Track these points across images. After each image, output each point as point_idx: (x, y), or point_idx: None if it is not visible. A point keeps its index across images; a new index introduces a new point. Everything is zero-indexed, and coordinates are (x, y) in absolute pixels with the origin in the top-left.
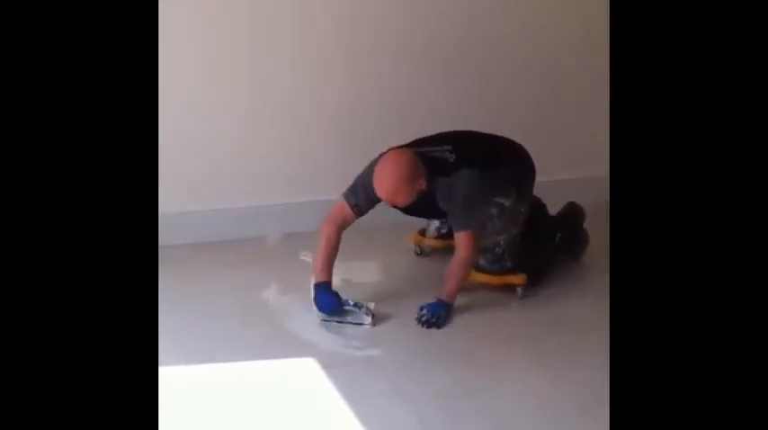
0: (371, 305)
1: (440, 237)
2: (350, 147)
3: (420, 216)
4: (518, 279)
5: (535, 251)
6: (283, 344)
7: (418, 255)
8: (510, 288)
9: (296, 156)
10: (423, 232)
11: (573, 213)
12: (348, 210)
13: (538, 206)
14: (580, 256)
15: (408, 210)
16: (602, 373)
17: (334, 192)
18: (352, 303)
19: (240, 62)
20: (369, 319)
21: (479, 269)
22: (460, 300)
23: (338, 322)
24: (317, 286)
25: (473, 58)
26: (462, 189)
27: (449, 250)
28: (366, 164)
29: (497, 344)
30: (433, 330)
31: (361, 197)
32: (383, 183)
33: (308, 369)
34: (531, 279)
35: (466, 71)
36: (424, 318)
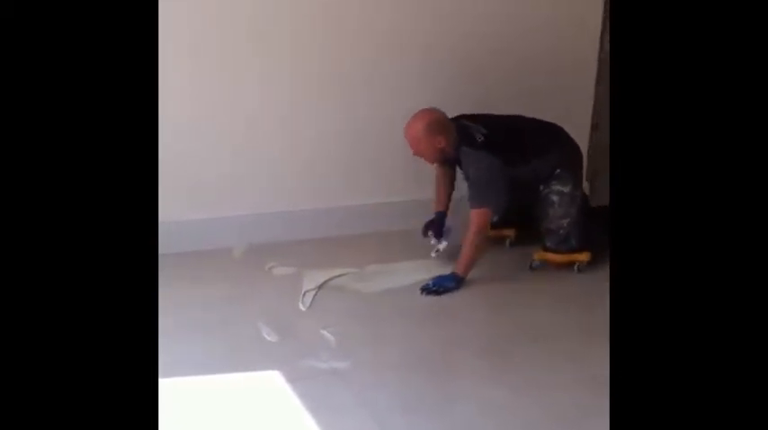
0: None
1: (492, 226)
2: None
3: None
4: (583, 256)
5: (597, 232)
6: (249, 357)
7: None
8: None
9: (256, 166)
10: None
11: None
12: (438, 168)
13: (584, 193)
14: None
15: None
16: (570, 385)
17: (299, 204)
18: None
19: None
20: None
21: (547, 249)
22: (425, 312)
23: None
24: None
25: (478, 72)
26: (478, 169)
27: (499, 239)
28: None
29: (466, 354)
30: (404, 340)
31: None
32: (408, 129)
33: (273, 382)
34: (594, 256)
35: (470, 86)
36: (426, 286)
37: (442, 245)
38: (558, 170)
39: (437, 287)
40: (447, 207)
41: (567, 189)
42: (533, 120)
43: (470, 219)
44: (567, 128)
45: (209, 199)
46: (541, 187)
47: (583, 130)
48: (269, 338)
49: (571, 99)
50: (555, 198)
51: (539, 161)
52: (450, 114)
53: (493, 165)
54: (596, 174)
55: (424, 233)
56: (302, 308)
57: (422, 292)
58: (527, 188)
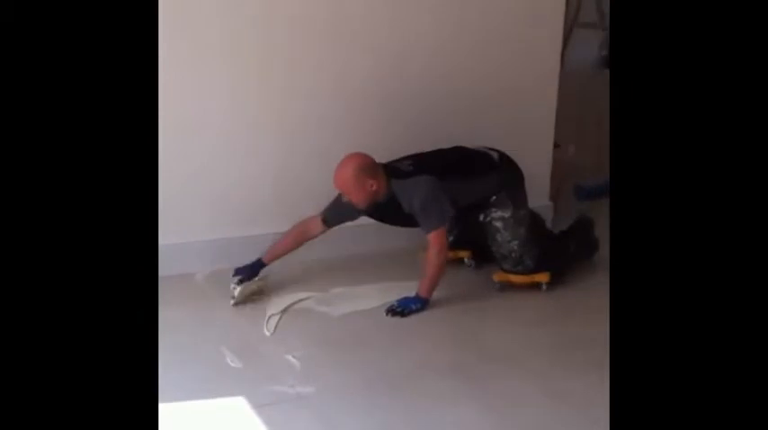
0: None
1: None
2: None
3: (392, 223)
4: (543, 277)
5: (554, 253)
6: (214, 383)
7: None
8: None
9: (218, 191)
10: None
11: (582, 222)
12: (318, 221)
13: (539, 218)
14: (591, 257)
15: (379, 216)
16: (537, 403)
17: (265, 228)
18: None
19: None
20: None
21: (507, 271)
22: (391, 335)
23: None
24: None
25: (432, 99)
26: (417, 192)
27: (456, 260)
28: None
29: (432, 376)
30: (369, 364)
31: (331, 210)
32: (338, 175)
33: (239, 408)
34: (554, 276)
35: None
36: (390, 308)
37: (239, 293)
38: (495, 197)
39: (402, 308)
40: (270, 262)
41: (507, 214)
42: (462, 147)
43: (428, 242)
44: (528, 148)
45: (172, 224)
46: (482, 216)
47: (544, 150)
48: (233, 364)
49: (533, 118)
50: (498, 224)
51: (475, 181)
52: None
53: (427, 182)
54: (559, 193)
55: (243, 280)
56: (267, 333)
57: (387, 314)
58: (470, 212)
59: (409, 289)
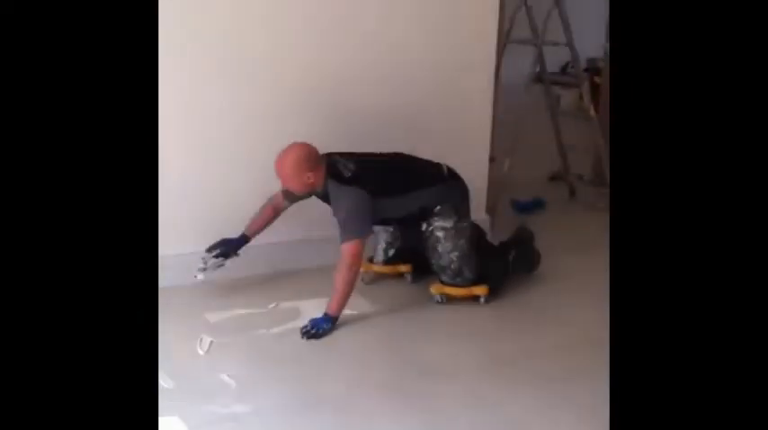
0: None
1: (387, 262)
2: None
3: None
4: (481, 290)
5: (493, 265)
6: None
7: (367, 283)
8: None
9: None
10: (371, 259)
11: (521, 235)
12: (281, 196)
13: (479, 229)
14: (532, 272)
15: (323, 200)
16: (474, 419)
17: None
18: (215, 256)
19: None
20: (201, 273)
21: (445, 283)
22: (328, 352)
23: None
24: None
25: (368, 111)
26: (344, 203)
27: (396, 275)
28: None
29: (369, 393)
30: (306, 382)
31: (288, 190)
32: (278, 163)
33: (173, 428)
34: (493, 289)
35: (358, 125)
36: (304, 330)
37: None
38: (438, 207)
39: (315, 329)
40: (253, 236)
41: (449, 224)
42: (411, 158)
43: (341, 254)
44: (464, 162)
45: None
46: (424, 226)
47: (480, 164)
48: (165, 385)
49: (469, 133)
50: (440, 234)
51: (417, 193)
52: (326, 150)
53: (358, 195)
54: (495, 206)
55: (211, 249)
56: (200, 352)
57: (302, 336)
58: (415, 220)
59: (354, 298)
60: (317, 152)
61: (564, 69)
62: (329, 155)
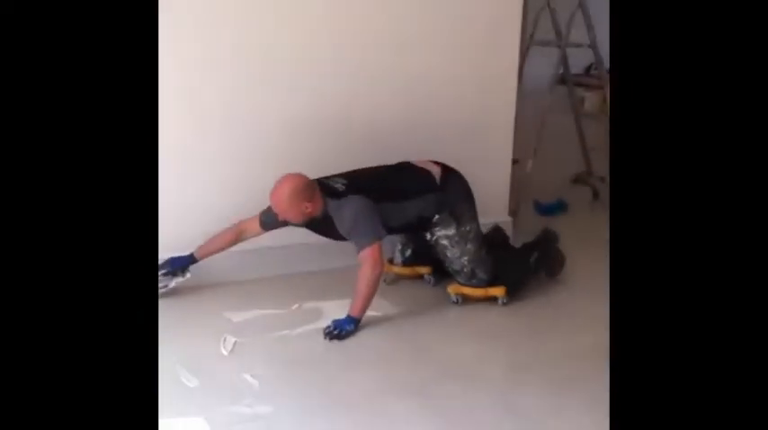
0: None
1: (405, 263)
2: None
3: (327, 236)
4: (498, 291)
5: (512, 266)
6: (170, 402)
7: (388, 284)
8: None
9: (179, 207)
10: (391, 260)
11: (546, 236)
12: (256, 223)
13: (502, 232)
14: (556, 275)
15: (315, 229)
16: (496, 421)
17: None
18: (162, 274)
19: None
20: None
21: (462, 284)
22: (349, 354)
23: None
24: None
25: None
26: (349, 212)
27: (417, 276)
28: None
29: (391, 395)
30: (328, 383)
31: (270, 216)
32: (274, 197)
33: (196, 427)
34: (510, 290)
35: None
36: (327, 330)
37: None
38: (437, 215)
39: (339, 331)
40: (203, 258)
41: (451, 232)
42: (403, 166)
43: (361, 261)
44: (487, 164)
45: None
46: (428, 236)
47: (503, 166)
48: (189, 383)
49: (491, 134)
50: (445, 242)
51: (411, 202)
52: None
53: (360, 201)
54: (518, 208)
55: (168, 273)
56: (224, 352)
57: (325, 337)
58: (416, 229)
59: (375, 306)
60: (310, 181)
61: (588, 71)
62: (317, 180)
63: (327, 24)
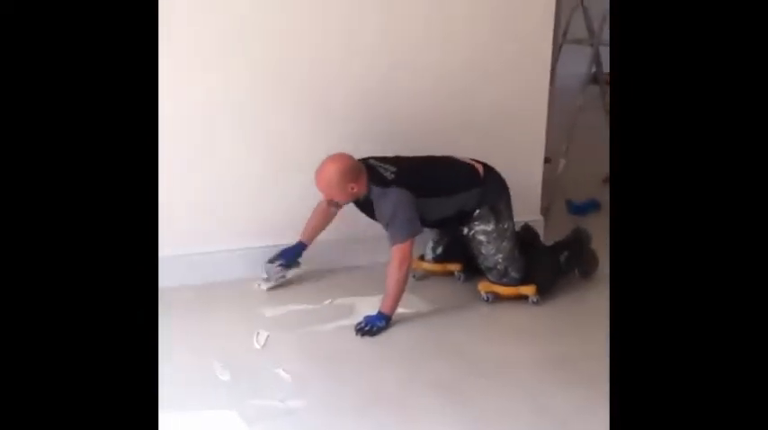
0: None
1: (436, 260)
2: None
3: (368, 215)
4: (529, 289)
5: (543, 265)
6: (203, 395)
7: (417, 280)
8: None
9: (208, 202)
10: (422, 257)
11: (577, 236)
12: (325, 202)
13: (532, 230)
14: (589, 275)
15: (361, 208)
16: (525, 418)
17: (253, 242)
18: (278, 266)
19: None
20: (266, 284)
21: (493, 282)
22: (381, 349)
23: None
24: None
25: (424, 109)
26: (389, 205)
27: (447, 273)
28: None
29: (422, 391)
30: (360, 378)
31: None
32: (320, 178)
33: (229, 421)
34: (541, 289)
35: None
36: (358, 327)
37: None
38: (478, 210)
39: (370, 327)
40: (311, 241)
41: (490, 227)
42: (449, 158)
43: (391, 255)
44: (518, 162)
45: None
46: (465, 230)
47: (535, 165)
48: (222, 377)
49: (523, 133)
50: (482, 238)
51: (456, 197)
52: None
53: (403, 195)
54: (549, 207)
55: (273, 260)
56: (257, 346)
57: (357, 333)
58: (453, 224)
59: (405, 303)
60: (356, 161)
61: None
62: (365, 160)
63: (358, 23)
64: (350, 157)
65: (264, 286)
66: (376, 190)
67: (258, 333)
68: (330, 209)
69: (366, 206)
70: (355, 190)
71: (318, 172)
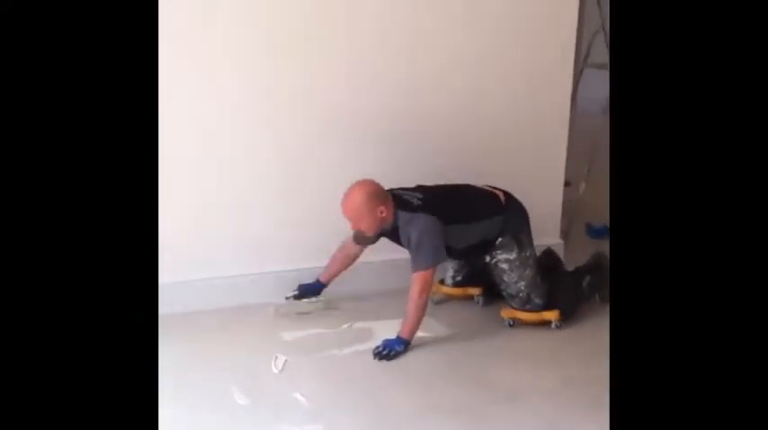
0: (281, 362)
1: (456, 285)
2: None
3: (394, 241)
4: (552, 315)
5: (565, 291)
6: (222, 420)
7: (436, 303)
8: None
9: (230, 228)
10: (442, 281)
11: (598, 261)
12: (350, 242)
13: (555, 255)
14: (608, 299)
15: (390, 238)
16: None
17: (278, 265)
18: (314, 300)
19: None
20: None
21: (517, 309)
22: (398, 374)
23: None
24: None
25: (443, 136)
26: (416, 230)
27: (467, 297)
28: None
29: (440, 417)
30: (377, 403)
31: (356, 232)
32: (347, 203)
33: None
34: (564, 314)
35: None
36: (377, 351)
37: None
38: (500, 239)
39: (388, 350)
40: (329, 282)
41: (512, 256)
42: (471, 187)
43: (413, 281)
44: (538, 186)
45: (174, 262)
46: (487, 258)
47: (555, 188)
48: (241, 401)
49: (544, 157)
50: (504, 266)
51: (480, 224)
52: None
53: (430, 221)
54: (569, 230)
55: (299, 297)
56: (275, 370)
57: (375, 357)
58: (476, 253)
59: (424, 326)
60: (381, 186)
61: None
62: (390, 190)
63: (380, 42)
64: (374, 182)
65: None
66: (403, 215)
67: (276, 357)
68: (354, 249)
69: (391, 234)
70: (384, 214)
71: (345, 198)
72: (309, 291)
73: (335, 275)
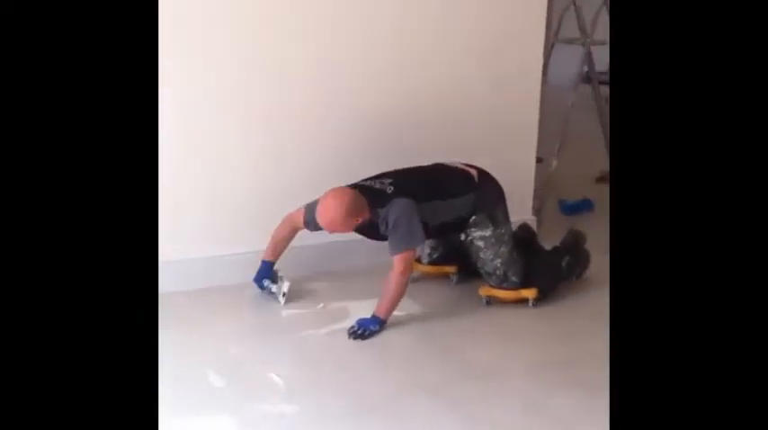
0: (285, 287)
1: (432, 263)
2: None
3: (372, 238)
4: (529, 293)
5: (544, 270)
6: (198, 402)
7: (412, 281)
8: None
9: (203, 208)
10: (418, 259)
11: (575, 238)
12: (302, 219)
13: (530, 230)
14: (581, 275)
15: (360, 232)
16: (520, 422)
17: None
18: (271, 285)
19: None
20: (282, 299)
21: (495, 287)
22: (375, 353)
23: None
24: (261, 262)
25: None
26: (393, 215)
27: (442, 275)
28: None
29: (416, 396)
30: (353, 383)
31: (313, 217)
32: (324, 217)
33: (223, 426)
34: (542, 293)
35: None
36: (351, 330)
37: (286, 286)
38: (474, 217)
39: (363, 330)
40: (277, 260)
41: (487, 233)
42: (442, 165)
43: (394, 262)
44: (510, 162)
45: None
46: (462, 236)
47: (527, 165)
48: (215, 383)
49: (515, 133)
50: (480, 243)
51: (453, 201)
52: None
53: (404, 204)
54: (542, 207)
55: (261, 285)
56: (281, 301)
57: (350, 337)
58: (452, 230)
59: (399, 305)
60: (355, 193)
61: None
62: (358, 185)
63: (352, 26)
64: (349, 191)
65: (283, 300)
66: (380, 211)
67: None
68: (298, 226)
69: (368, 229)
70: (360, 221)
71: (321, 212)
72: (267, 275)
73: (282, 251)
